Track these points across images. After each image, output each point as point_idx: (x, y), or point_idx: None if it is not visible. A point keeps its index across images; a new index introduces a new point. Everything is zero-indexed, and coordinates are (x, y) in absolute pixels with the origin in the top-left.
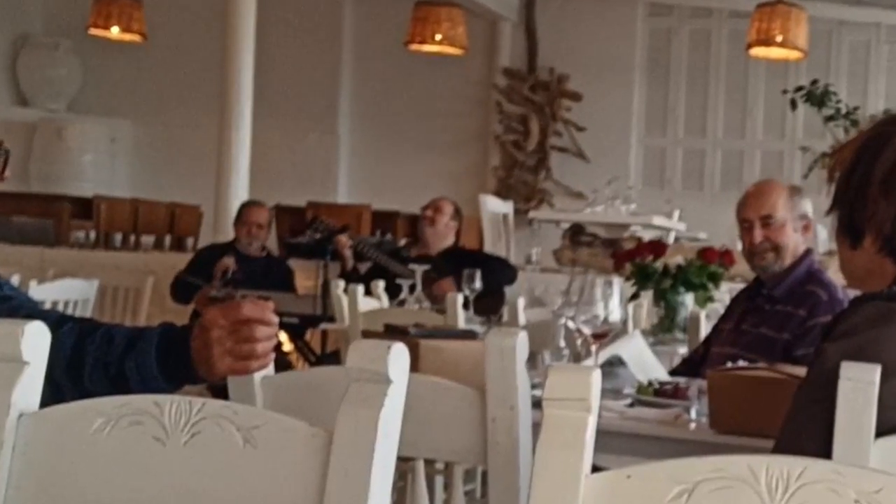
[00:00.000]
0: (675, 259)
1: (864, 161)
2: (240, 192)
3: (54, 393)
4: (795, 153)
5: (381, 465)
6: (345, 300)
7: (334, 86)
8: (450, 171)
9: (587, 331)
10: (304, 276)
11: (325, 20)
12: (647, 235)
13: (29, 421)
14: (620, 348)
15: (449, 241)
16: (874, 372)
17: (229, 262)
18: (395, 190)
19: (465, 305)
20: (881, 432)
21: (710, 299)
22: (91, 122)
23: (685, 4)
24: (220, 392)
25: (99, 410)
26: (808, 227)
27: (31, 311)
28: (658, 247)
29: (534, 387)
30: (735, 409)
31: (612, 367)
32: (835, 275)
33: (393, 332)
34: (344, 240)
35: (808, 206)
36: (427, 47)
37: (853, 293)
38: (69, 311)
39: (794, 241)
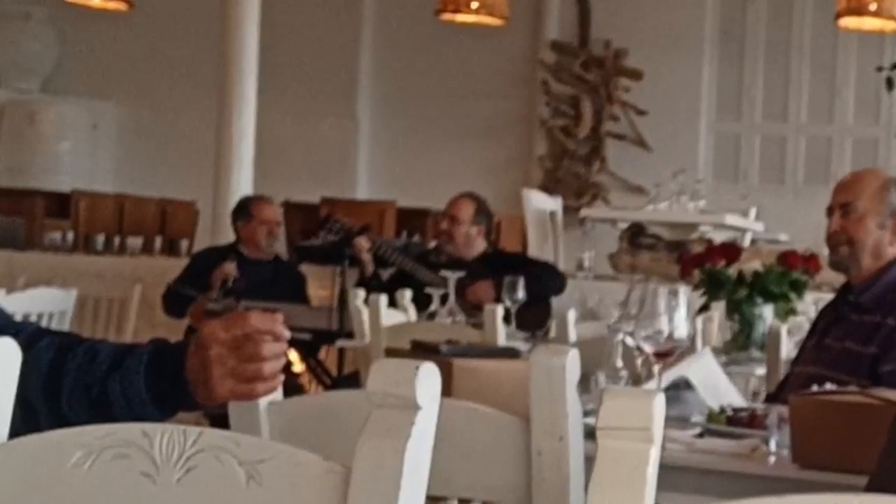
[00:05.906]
0: (751, 265)
1: None
2: (242, 186)
3: (27, 418)
4: (892, 140)
5: None
6: (365, 313)
7: (353, 62)
8: (488, 161)
9: (649, 349)
10: (318, 284)
11: None
12: (719, 237)
13: None
14: (687, 369)
15: (478, 248)
16: None
17: (230, 268)
18: (424, 184)
19: (506, 319)
20: None
21: (793, 312)
22: (68, 105)
23: None
24: (220, 420)
25: (78, 441)
26: None
27: (3, 322)
28: (731, 250)
29: (586, 414)
30: (821, 440)
31: (678, 390)
32: None
33: (421, 350)
34: (364, 242)
35: None
36: (461, 17)
37: None
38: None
39: (875, 239)
